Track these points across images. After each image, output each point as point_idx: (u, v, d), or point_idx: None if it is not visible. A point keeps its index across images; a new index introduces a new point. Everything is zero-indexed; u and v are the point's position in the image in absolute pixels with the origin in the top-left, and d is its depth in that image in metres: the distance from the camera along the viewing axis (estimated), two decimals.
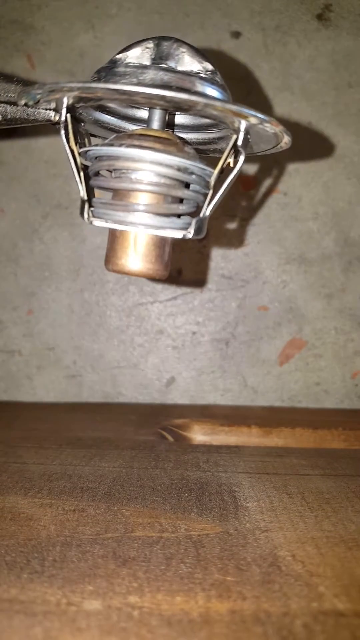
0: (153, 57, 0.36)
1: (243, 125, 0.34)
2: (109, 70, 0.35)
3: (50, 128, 0.39)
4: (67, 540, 0.32)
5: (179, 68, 0.36)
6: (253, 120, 0.34)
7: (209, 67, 0.36)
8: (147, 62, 0.36)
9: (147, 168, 0.35)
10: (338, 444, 0.55)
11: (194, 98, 0.32)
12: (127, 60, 0.36)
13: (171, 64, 0.36)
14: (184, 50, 0.36)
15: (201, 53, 0.36)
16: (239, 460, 0.47)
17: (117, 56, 0.36)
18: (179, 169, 0.35)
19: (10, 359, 0.67)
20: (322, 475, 0.44)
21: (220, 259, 0.66)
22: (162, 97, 0.32)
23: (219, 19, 0.64)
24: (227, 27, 0.64)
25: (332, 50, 0.64)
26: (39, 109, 0.38)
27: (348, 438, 0.56)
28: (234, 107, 0.33)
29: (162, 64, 0.35)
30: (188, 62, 0.36)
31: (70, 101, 0.35)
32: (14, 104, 0.39)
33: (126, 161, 0.35)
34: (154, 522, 0.35)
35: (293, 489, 0.41)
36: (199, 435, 0.57)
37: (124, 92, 0.32)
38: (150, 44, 0.36)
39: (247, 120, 0.34)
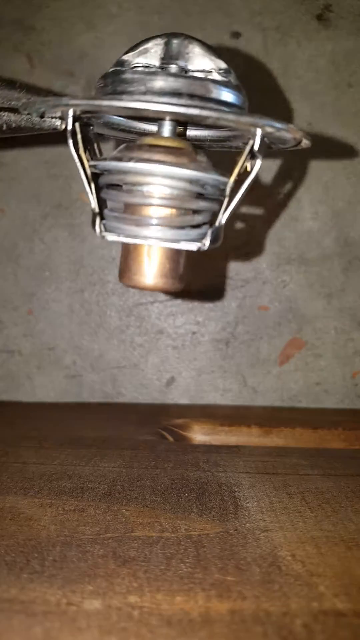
0: (162, 56, 0.34)
1: (259, 131, 0.33)
2: (116, 76, 0.34)
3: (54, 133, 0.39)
4: (67, 540, 0.32)
5: (190, 67, 0.35)
6: (269, 130, 0.32)
7: (222, 65, 0.35)
8: (157, 62, 0.34)
9: (158, 182, 0.34)
10: (338, 443, 0.55)
11: (205, 113, 0.31)
12: (135, 62, 0.35)
13: (182, 63, 0.34)
14: (195, 47, 0.35)
15: (213, 50, 0.35)
16: (238, 460, 0.47)
17: (124, 57, 0.35)
18: (191, 182, 0.34)
19: (10, 358, 0.67)
20: (322, 475, 0.44)
21: (219, 258, 0.66)
22: (172, 113, 0.31)
23: (219, 19, 0.64)
24: (227, 27, 0.64)
25: (332, 50, 0.64)
26: (44, 118, 0.37)
27: (348, 438, 0.56)
28: (248, 120, 0.32)
29: (172, 63, 0.34)
30: (200, 61, 0.35)
31: (77, 112, 0.34)
32: (18, 111, 0.37)
33: (136, 176, 0.34)
34: (154, 522, 0.35)
35: (293, 489, 0.41)
36: (199, 435, 0.57)
37: (130, 108, 0.31)
38: (160, 42, 0.35)
39: (264, 130, 0.32)
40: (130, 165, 0.33)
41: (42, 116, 0.35)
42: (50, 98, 0.33)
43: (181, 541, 0.32)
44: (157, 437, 0.54)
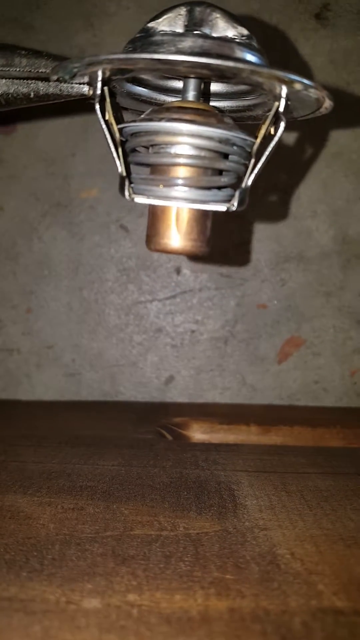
0: (186, 23, 0.34)
1: (284, 91, 0.33)
2: (144, 39, 0.34)
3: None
4: (66, 538, 0.32)
5: (214, 34, 0.35)
6: (298, 87, 0.33)
7: (245, 31, 0.35)
8: (181, 29, 0.34)
9: (188, 141, 0.34)
10: (337, 442, 0.55)
11: (240, 65, 0.31)
12: (160, 28, 0.34)
13: (205, 30, 0.34)
14: (218, 15, 0.35)
15: (235, 17, 0.35)
16: (237, 458, 0.47)
17: (149, 25, 0.35)
18: (220, 141, 0.34)
19: (9, 357, 0.67)
20: (321, 474, 0.44)
21: (219, 257, 0.66)
22: (207, 66, 0.31)
23: None
24: None
25: (330, 49, 0.64)
26: (72, 83, 0.37)
27: (347, 436, 0.56)
28: (280, 74, 0.32)
29: (195, 30, 0.34)
30: (222, 28, 0.35)
31: (107, 74, 0.34)
32: (45, 79, 0.37)
33: (167, 136, 0.34)
34: (153, 520, 0.35)
35: (292, 487, 0.41)
36: (198, 433, 0.57)
37: (166, 62, 0.31)
38: (183, 10, 0.35)
39: (292, 86, 0.33)
40: (162, 124, 0.34)
41: (73, 76, 0.35)
42: (84, 56, 0.33)
43: (180, 540, 0.32)
44: (156, 435, 0.54)
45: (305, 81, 0.32)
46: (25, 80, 0.38)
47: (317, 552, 0.32)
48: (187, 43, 0.33)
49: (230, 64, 0.31)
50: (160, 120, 0.34)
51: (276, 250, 0.66)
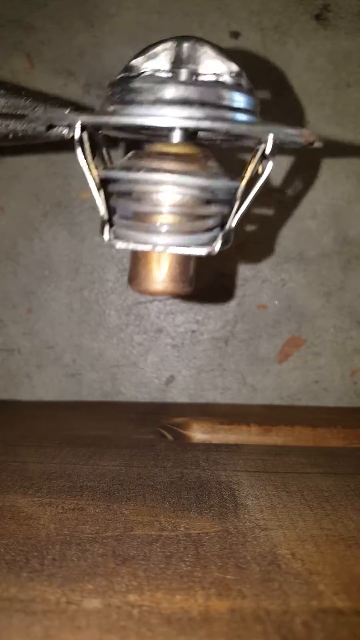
0: (173, 60, 0.34)
1: (271, 136, 0.33)
2: (125, 84, 0.34)
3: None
4: (67, 539, 0.32)
5: (201, 71, 0.34)
6: (282, 136, 0.33)
7: (234, 67, 0.35)
8: (167, 66, 0.34)
9: (168, 190, 0.34)
10: (337, 442, 0.55)
11: (217, 125, 0.31)
12: (144, 67, 0.34)
13: (192, 67, 0.34)
14: (206, 50, 0.35)
15: (224, 52, 0.35)
16: (238, 458, 0.47)
17: (133, 62, 0.35)
18: (201, 190, 0.34)
19: (10, 357, 0.67)
20: (322, 474, 0.44)
21: (219, 257, 0.66)
22: (183, 128, 0.32)
23: (218, 18, 0.64)
24: (226, 27, 0.64)
25: (331, 50, 0.64)
26: (51, 129, 0.37)
27: (347, 436, 0.56)
28: (261, 129, 0.32)
29: (182, 67, 0.34)
30: (211, 64, 0.35)
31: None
32: (23, 119, 0.37)
33: (146, 185, 0.34)
34: (154, 520, 0.35)
35: (292, 487, 0.41)
36: (199, 433, 0.57)
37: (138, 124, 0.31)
38: (169, 46, 0.34)
39: (278, 137, 0.33)
40: (140, 175, 0.34)
41: (49, 127, 0.35)
42: (57, 111, 0.33)
43: (181, 540, 0.32)
44: (157, 435, 0.54)
45: (290, 131, 0.33)
46: (2, 120, 0.37)
47: (318, 552, 0.32)
48: (168, 92, 0.32)
49: (207, 124, 0.31)
50: (139, 169, 0.34)
51: (276, 251, 0.66)
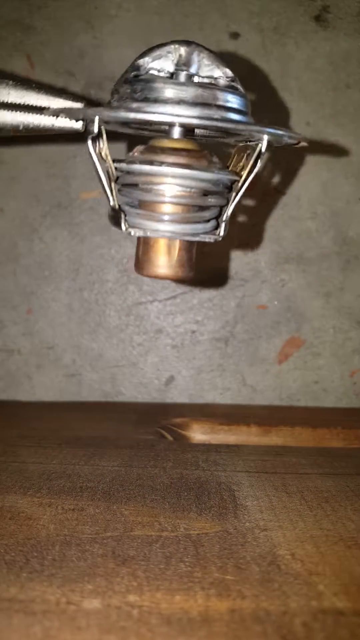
0: (175, 62, 0.37)
1: (266, 136, 0.36)
2: (146, 84, 0.36)
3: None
4: (67, 539, 0.32)
5: (201, 73, 0.38)
6: (275, 137, 0.36)
7: (229, 73, 0.38)
8: (170, 68, 0.37)
9: (184, 183, 0.37)
10: (337, 442, 0.56)
11: (220, 124, 0.35)
12: (150, 66, 0.37)
13: (193, 70, 0.37)
14: (205, 55, 0.38)
15: (220, 58, 0.38)
16: (238, 459, 0.47)
17: (139, 61, 0.37)
18: (213, 183, 0.38)
19: (10, 357, 0.67)
20: (321, 474, 0.44)
21: (219, 258, 0.67)
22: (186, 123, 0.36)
23: (217, 19, 0.64)
24: (225, 28, 0.64)
25: (330, 51, 0.64)
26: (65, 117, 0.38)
27: (347, 437, 0.56)
28: (255, 128, 0.35)
29: (184, 70, 0.37)
30: (208, 68, 0.38)
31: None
32: (35, 111, 0.38)
33: (164, 178, 0.37)
34: (153, 521, 0.35)
35: (292, 488, 0.41)
36: (198, 434, 0.57)
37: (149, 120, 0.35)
38: (172, 49, 0.37)
39: (271, 137, 0.36)
40: (162, 169, 0.36)
41: (78, 119, 0.37)
42: (77, 107, 0.36)
43: (180, 540, 0.32)
44: (157, 436, 0.54)
45: (281, 132, 0.36)
46: (12, 111, 0.38)
47: (318, 552, 0.32)
48: (168, 92, 0.35)
49: (208, 122, 0.35)
50: (161, 164, 0.36)
51: (276, 251, 0.66)
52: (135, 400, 0.68)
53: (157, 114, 0.34)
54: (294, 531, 0.34)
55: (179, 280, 0.66)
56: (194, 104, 0.35)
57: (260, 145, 0.36)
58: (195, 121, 0.34)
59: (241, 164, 0.40)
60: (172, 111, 0.34)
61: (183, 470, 0.44)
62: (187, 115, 0.34)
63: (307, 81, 0.65)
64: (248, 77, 0.64)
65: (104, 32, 0.64)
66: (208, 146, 0.41)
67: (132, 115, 0.34)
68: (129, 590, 0.27)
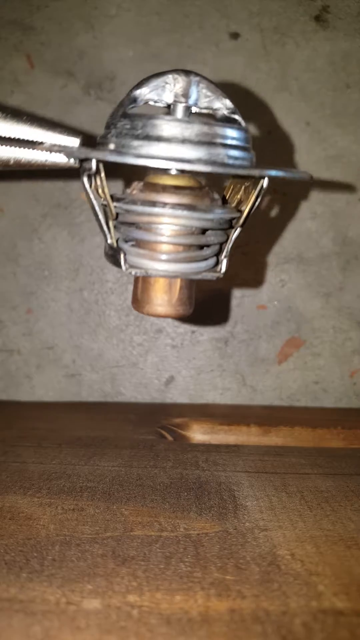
0: (174, 93, 0.36)
1: (266, 180, 0.36)
2: (147, 120, 0.35)
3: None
4: (67, 539, 0.32)
5: (200, 104, 0.36)
6: (276, 177, 0.35)
7: (229, 104, 0.37)
8: (169, 99, 0.36)
9: (179, 223, 0.36)
10: (337, 442, 0.56)
11: (219, 170, 0.33)
12: (147, 97, 0.36)
13: (191, 101, 0.36)
14: (204, 86, 0.36)
15: (219, 89, 0.37)
16: (238, 459, 0.47)
17: (137, 92, 0.36)
18: (216, 222, 0.37)
19: (10, 358, 0.67)
20: (321, 474, 0.44)
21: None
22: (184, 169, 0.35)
23: (217, 20, 0.64)
24: (225, 28, 0.64)
25: (330, 51, 0.64)
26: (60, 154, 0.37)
27: (347, 437, 0.56)
28: (255, 172, 0.35)
29: (182, 101, 0.36)
30: (208, 99, 0.37)
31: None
32: (28, 145, 0.36)
33: (167, 218, 0.36)
34: (153, 521, 0.35)
35: (292, 488, 0.41)
36: (198, 434, 0.57)
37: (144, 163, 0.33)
38: (171, 79, 0.36)
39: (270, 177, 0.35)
40: (166, 210, 0.36)
41: (80, 160, 0.36)
42: (86, 149, 0.34)
43: (180, 540, 0.32)
44: (156, 436, 0.54)
45: (282, 173, 0.35)
46: (2, 145, 0.36)
47: (318, 552, 0.32)
48: (169, 131, 0.34)
49: (208, 169, 0.33)
50: (164, 205, 0.35)
51: (276, 251, 0.66)
52: (135, 400, 0.68)
53: (166, 160, 0.33)
54: (293, 531, 0.34)
55: (178, 319, 0.66)
56: (199, 143, 0.33)
57: (262, 182, 0.36)
58: (202, 167, 0.33)
59: (238, 196, 0.39)
60: (176, 150, 0.33)
61: (183, 470, 0.44)
62: (192, 159, 0.33)
63: (307, 81, 0.65)
64: (249, 76, 0.64)
65: (103, 32, 0.64)
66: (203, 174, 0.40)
67: (141, 162, 0.32)
68: (129, 590, 0.27)
